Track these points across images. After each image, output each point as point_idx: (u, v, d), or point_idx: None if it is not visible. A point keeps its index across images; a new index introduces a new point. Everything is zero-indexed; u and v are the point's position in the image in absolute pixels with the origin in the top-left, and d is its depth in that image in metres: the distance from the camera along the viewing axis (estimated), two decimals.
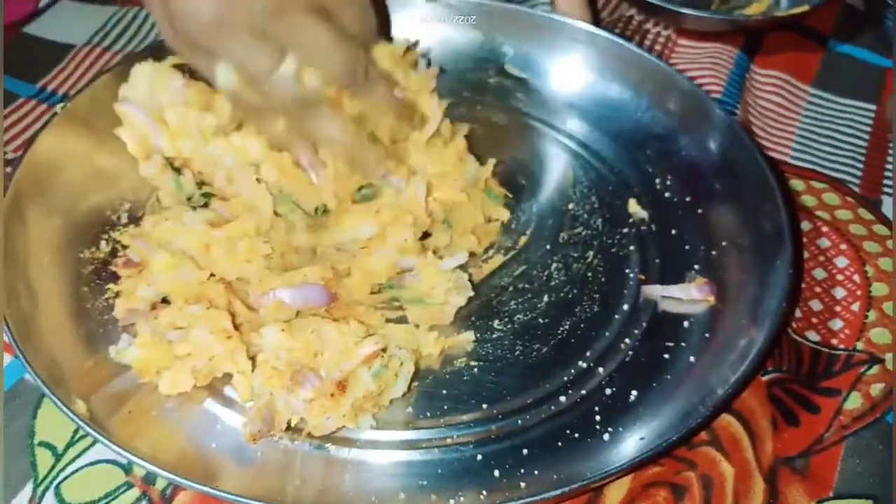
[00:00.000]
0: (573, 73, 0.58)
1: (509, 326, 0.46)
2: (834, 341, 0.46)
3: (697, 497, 0.39)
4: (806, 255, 0.50)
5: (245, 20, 0.41)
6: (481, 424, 0.41)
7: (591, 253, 0.49)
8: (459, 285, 0.45)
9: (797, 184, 0.54)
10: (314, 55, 0.43)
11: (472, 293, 0.46)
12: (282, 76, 0.42)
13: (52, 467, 0.40)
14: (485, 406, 0.42)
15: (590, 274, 0.48)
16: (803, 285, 0.48)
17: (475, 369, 0.44)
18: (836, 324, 0.47)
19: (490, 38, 0.59)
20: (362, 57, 0.45)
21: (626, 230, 0.50)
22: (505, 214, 0.51)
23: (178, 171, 0.47)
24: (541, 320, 0.46)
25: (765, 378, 0.44)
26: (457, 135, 0.50)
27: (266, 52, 0.42)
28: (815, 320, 0.47)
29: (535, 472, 0.39)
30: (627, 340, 0.45)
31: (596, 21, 0.59)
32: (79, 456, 0.40)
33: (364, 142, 0.46)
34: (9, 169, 0.51)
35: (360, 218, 0.46)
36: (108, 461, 0.40)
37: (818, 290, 0.48)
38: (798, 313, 0.47)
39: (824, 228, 0.51)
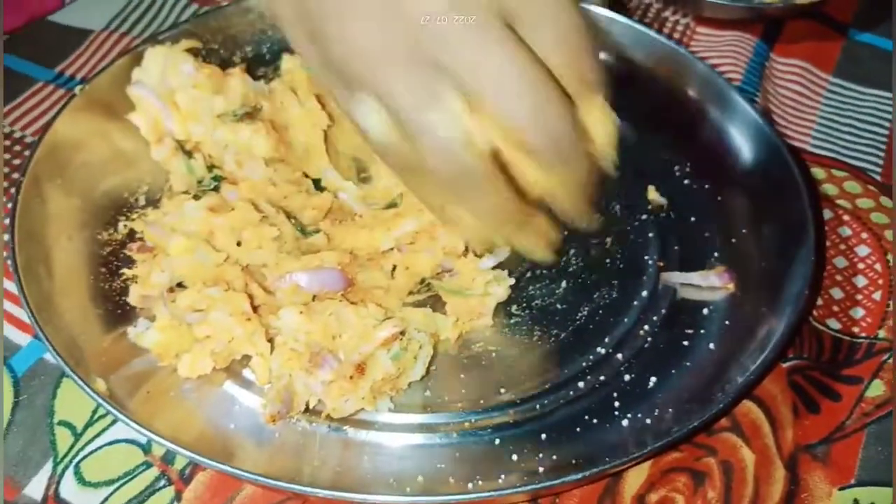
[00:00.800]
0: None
1: (527, 312, 0.45)
2: (855, 329, 0.45)
3: (718, 483, 0.39)
4: (827, 243, 0.50)
5: (412, 42, 0.32)
6: (499, 409, 0.41)
7: (609, 239, 0.49)
8: (500, 277, 0.45)
9: (818, 172, 0.54)
10: (497, 97, 0.32)
11: (512, 283, 0.45)
12: (436, 118, 0.32)
13: (72, 446, 0.40)
14: (503, 391, 0.42)
15: (608, 260, 0.48)
16: (824, 273, 0.48)
17: (493, 354, 0.43)
18: (858, 312, 0.46)
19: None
20: (568, 109, 0.34)
21: (644, 217, 0.50)
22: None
23: (189, 154, 0.47)
24: (559, 306, 0.46)
25: (785, 365, 0.44)
26: None
27: (422, 83, 0.32)
28: (836, 308, 0.47)
29: (554, 457, 0.39)
30: (646, 327, 0.44)
31: (615, 7, 0.58)
32: (98, 435, 0.40)
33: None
34: (27, 152, 0.52)
35: (403, 218, 0.45)
36: (127, 440, 0.40)
37: (839, 278, 0.48)
38: (819, 301, 0.47)
39: (846, 217, 0.51)
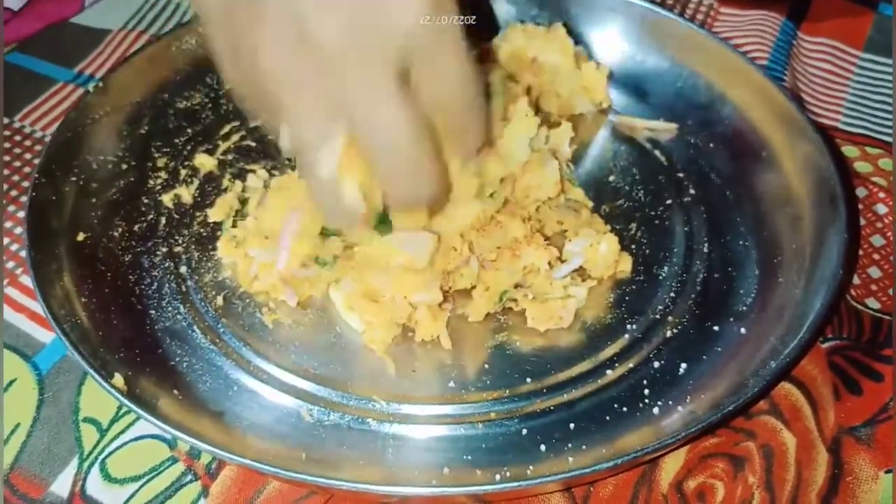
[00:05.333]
0: (611, 43, 0.56)
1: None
2: None
3: (758, 468, 0.38)
4: (862, 221, 0.48)
5: (312, 77, 0.34)
6: (526, 399, 0.40)
7: (633, 225, 0.48)
8: (577, 282, 0.44)
9: (851, 150, 0.52)
10: (376, 141, 0.34)
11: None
12: (321, 158, 0.35)
13: (97, 443, 0.40)
14: (529, 380, 0.41)
15: (633, 246, 0.47)
16: (861, 252, 0.47)
17: (517, 342, 0.42)
18: None
19: (524, 10, 0.58)
20: (434, 170, 0.37)
21: (669, 202, 0.49)
22: (581, 194, 0.49)
23: None
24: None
25: (825, 346, 0.42)
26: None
27: (320, 121, 0.35)
28: (874, 287, 0.45)
29: (583, 447, 0.38)
30: (675, 312, 0.43)
31: None
32: (123, 431, 0.40)
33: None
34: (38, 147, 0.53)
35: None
36: (152, 436, 0.40)
37: (877, 257, 0.46)
38: (857, 281, 0.45)
39: (881, 194, 0.49)
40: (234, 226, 0.46)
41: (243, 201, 0.48)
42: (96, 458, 0.39)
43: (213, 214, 0.47)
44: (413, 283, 0.41)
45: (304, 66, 0.34)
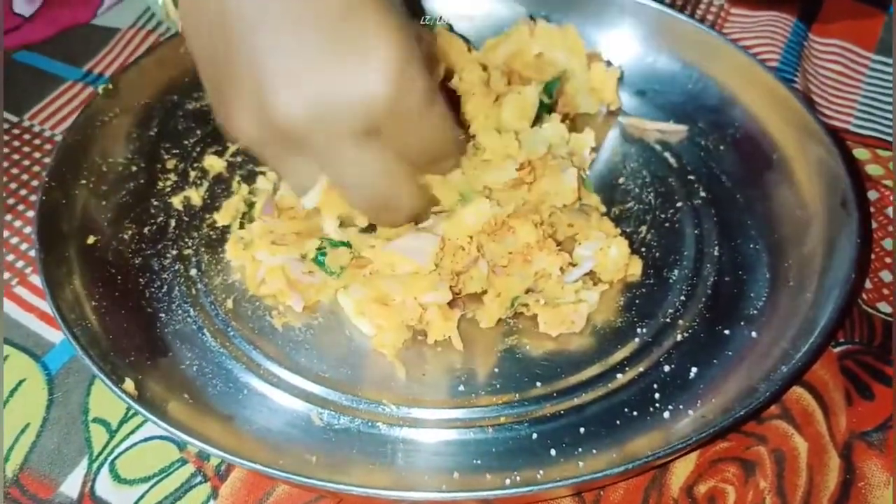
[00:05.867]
0: (621, 45, 0.56)
1: None
2: None
3: (769, 472, 0.38)
4: (874, 224, 0.48)
5: (280, 143, 0.36)
6: (535, 403, 0.40)
7: (643, 228, 0.48)
8: (589, 286, 0.44)
9: (862, 153, 0.52)
10: (352, 191, 0.38)
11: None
12: (305, 205, 0.40)
13: (107, 444, 0.40)
14: (538, 384, 0.41)
15: (643, 249, 0.47)
16: (872, 256, 0.46)
17: (528, 346, 0.42)
18: None
19: (533, 12, 0.58)
20: (413, 194, 0.39)
21: (679, 204, 0.49)
22: (597, 200, 0.48)
23: None
24: None
25: (836, 350, 0.42)
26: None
27: (294, 174, 0.38)
28: (886, 291, 0.45)
29: (594, 451, 0.38)
30: (685, 316, 0.43)
31: None
32: (133, 432, 0.40)
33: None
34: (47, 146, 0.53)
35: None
36: (161, 437, 0.40)
37: (888, 260, 0.46)
38: (869, 285, 0.45)
39: (892, 197, 0.49)
40: (241, 227, 0.46)
41: (250, 204, 0.47)
42: (106, 458, 0.39)
43: (220, 218, 0.47)
44: (422, 284, 0.41)
45: (272, 135, 0.35)
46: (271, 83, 0.33)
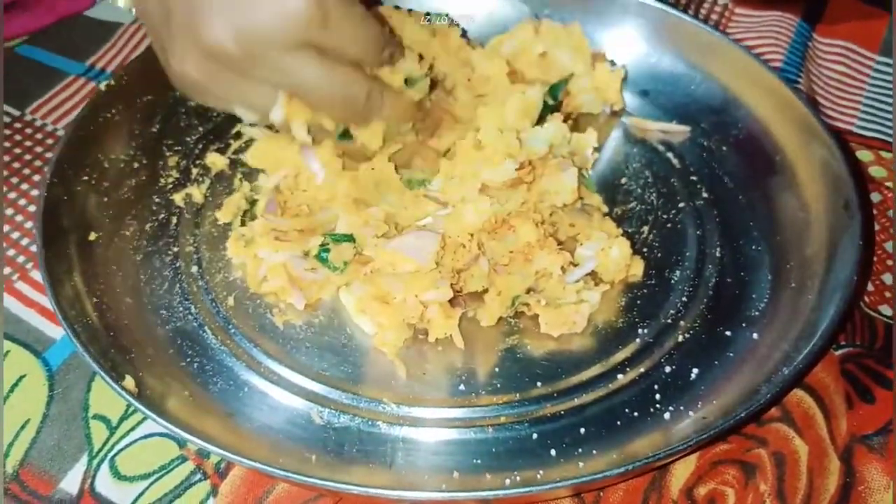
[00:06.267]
0: (625, 45, 0.56)
1: None
2: None
3: (770, 475, 0.38)
4: (877, 227, 0.48)
5: (229, 69, 0.39)
6: (536, 403, 0.40)
7: (645, 228, 0.48)
8: (590, 286, 0.44)
9: (865, 155, 0.52)
10: (308, 95, 0.41)
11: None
12: (275, 120, 0.42)
13: (107, 440, 0.40)
14: (539, 384, 0.41)
15: (645, 249, 0.46)
16: (874, 258, 0.46)
17: (528, 346, 0.42)
18: None
19: (536, 11, 0.57)
20: (362, 81, 0.42)
21: (682, 205, 0.49)
22: (598, 200, 0.48)
23: None
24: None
25: (837, 353, 0.42)
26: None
27: (264, 94, 0.40)
28: (888, 294, 0.45)
29: (594, 452, 0.38)
30: (686, 317, 0.43)
31: None
32: (133, 429, 0.40)
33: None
34: (49, 140, 0.53)
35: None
36: (161, 434, 0.40)
37: (891, 262, 0.46)
38: (870, 287, 0.45)
39: (895, 199, 0.49)
40: (242, 224, 0.46)
41: (252, 202, 0.47)
42: (106, 455, 0.39)
43: (222, 216, 0.47)
44: (423, 282, 0.41)
45: (215, 66, 0.38)
46: (202, 16, 0.37)
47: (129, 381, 0.38)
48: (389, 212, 0.44)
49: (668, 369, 0.41)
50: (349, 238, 0.43)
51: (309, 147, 0.45)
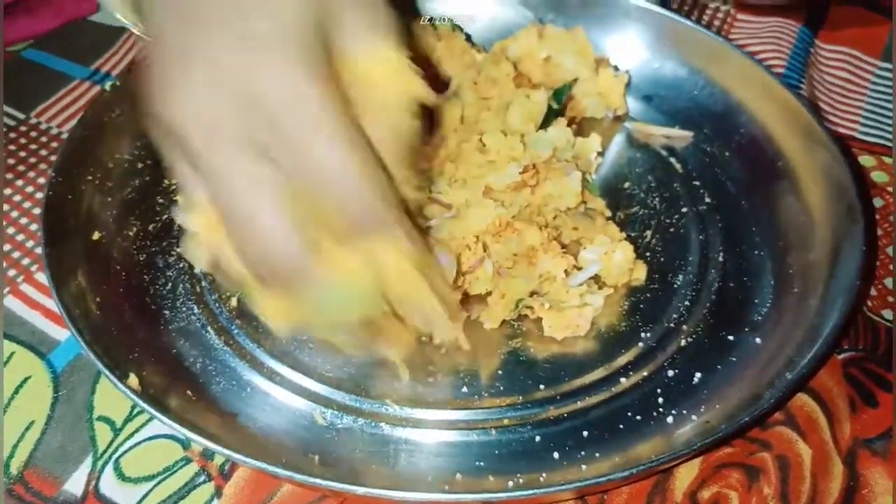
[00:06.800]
0: (627, 50, 0.56)
1: None
2: None
3: (774, 478, 0.38)
4: (879, 232, 0.48)
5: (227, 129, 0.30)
6: (539, 406, 0.40)
7: (648, 232, 0.48)
8: (594, 290, 0.44)
9: (867, 160, 0.52)
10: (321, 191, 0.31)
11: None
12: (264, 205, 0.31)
13: (111, 442, 0.40)
14: (542, 387, 0.41)
15: (648, 253, 0.47)
16: (877, 263, 0.46)
17: (531, 349, 0.42)
18: None
19: (540, 15, 0.58)
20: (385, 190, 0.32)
21: (685, 210, 0.49)
22: (602, 204, 0.48)
23: None
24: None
25: (840, 357, 0.42)
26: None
27: (249, 170, 0.31)
28: (891, 299, 0.45)
29: (597, 455, 0.38)
30: (689, 321, 0.43)
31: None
32: (137, 431, 0.40)
33: None
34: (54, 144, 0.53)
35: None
36: (166, 436, 0.40)
37: (892, 267, 0.46)
38: (873, 292, 0.45)
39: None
40: None
41: None
42: (110, 456, 0.39)
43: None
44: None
45: (226, 115, 0.30)
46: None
47: (133, 380, 0.38)
48: None
49: (671, 373, 0.41)
50: None
51: None
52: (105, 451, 0.39)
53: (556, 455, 0.38)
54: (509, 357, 0.42)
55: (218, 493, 0.38)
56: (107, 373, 0.37)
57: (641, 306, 0.44)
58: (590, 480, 0.35)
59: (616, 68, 0.54)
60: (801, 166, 0.48)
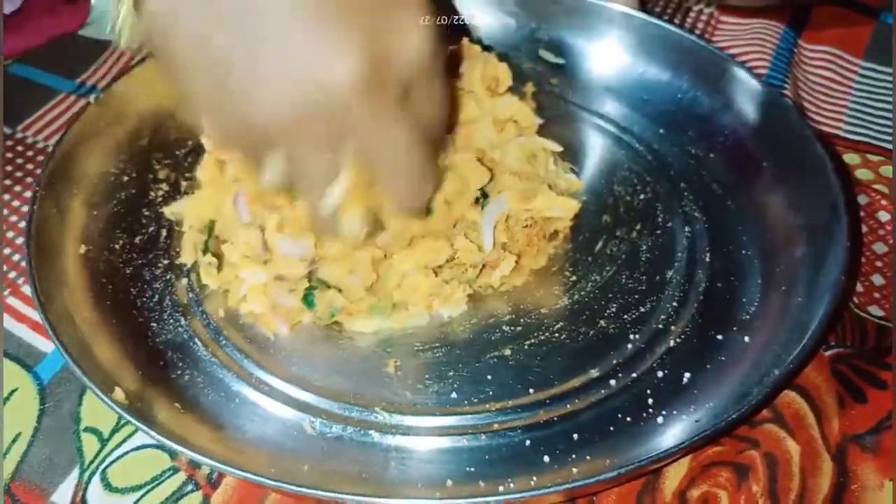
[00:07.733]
0: (609, 56, 0.56)
1: (554, 309, 0.44)
2: None
3: (762, 476, 0.38)
4: (865, 229, 0.48)
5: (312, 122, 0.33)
6: (528, 410, 0.40)
7: (635, 234, 0.48)
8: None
9: (852, 158, 0.52)
10: (385, 169, 0.36)
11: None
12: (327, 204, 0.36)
13: (98, 452, 0.40)
14: (531, 391, 0.41)
15: (635, 256, 0.47)
16: (863, 260, 0.46)
17: (520, 354, 0.42)
18: None
19: (523, 23, 0.58)
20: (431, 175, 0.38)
21: (671, 212, 0.49)
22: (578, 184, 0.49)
23: None
24: (587, 303, 0.44)
25: (828, 354, 0.42)
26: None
27: (322, 160, 0.34)
28: (877, 295, 0.45)
29: (587, 457, 0.38)
30: (677, 322, 0.43)
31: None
32: (124, 441, 0.40)
33: None
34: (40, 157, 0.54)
35: None
36: (153, 446, 0.40)
37: (879, 264, 0.46)
38: (860, 288, 0.45)
39: (883, 202, 0.49)
40: (205, 252, 0.44)
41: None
42: (97, 467, 0.39)
43: (184, 258, 0.46)
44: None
45: (304, 116, 0.32)
46: (318, 52, 0.31)
47: (119, 394, 0.37)
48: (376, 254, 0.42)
49: (660, 374, 0.41)
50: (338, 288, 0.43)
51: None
52: (92, 462, 0.39)
53: (546, 458, 0.38)
54: (498, 362, 0.42)
55: (206, 502, 0.38)
56: (93, 388, 0.37)
57: (629, 308, 0.44)
58: (579, 482, 0.35)
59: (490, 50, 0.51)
60: (786, 166, 0.48)
